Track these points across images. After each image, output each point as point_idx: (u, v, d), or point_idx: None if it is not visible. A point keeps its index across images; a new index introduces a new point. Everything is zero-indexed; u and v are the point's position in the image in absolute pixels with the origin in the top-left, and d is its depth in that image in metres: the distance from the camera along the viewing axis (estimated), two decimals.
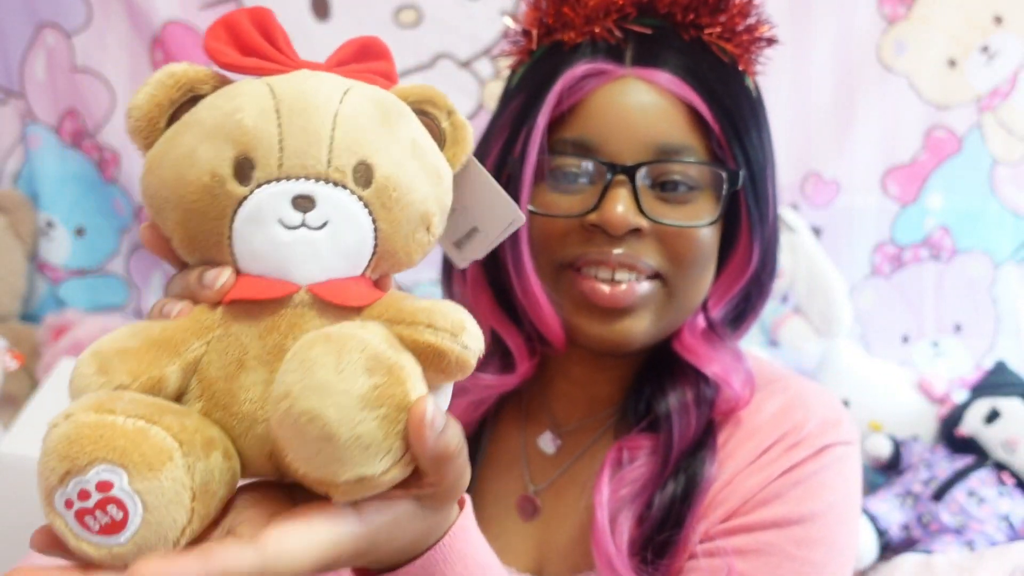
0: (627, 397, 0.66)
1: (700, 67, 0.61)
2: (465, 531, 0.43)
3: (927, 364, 1.73)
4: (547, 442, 0.69)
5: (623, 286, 0.59)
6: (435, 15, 1.67)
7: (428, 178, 0.41)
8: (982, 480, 1.38)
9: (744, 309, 0.68)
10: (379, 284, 0.41)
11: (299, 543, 0.34)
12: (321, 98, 0.38)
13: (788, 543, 0.57)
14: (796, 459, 0.60)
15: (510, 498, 0.68)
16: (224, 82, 0.41)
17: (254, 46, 0.40)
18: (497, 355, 0.66)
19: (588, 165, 0.60)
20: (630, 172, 0.58)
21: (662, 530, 0.58)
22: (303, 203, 0.37)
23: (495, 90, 1.70)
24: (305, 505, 0.36)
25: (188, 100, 0.41)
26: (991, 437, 1.44)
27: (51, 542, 0.35)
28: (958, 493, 1.36)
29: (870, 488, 1.50)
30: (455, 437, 0.37)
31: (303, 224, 0.37)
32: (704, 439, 0.62)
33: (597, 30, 0.61)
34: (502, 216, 0.47)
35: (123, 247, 1.77)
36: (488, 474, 0.70)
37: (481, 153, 0.65)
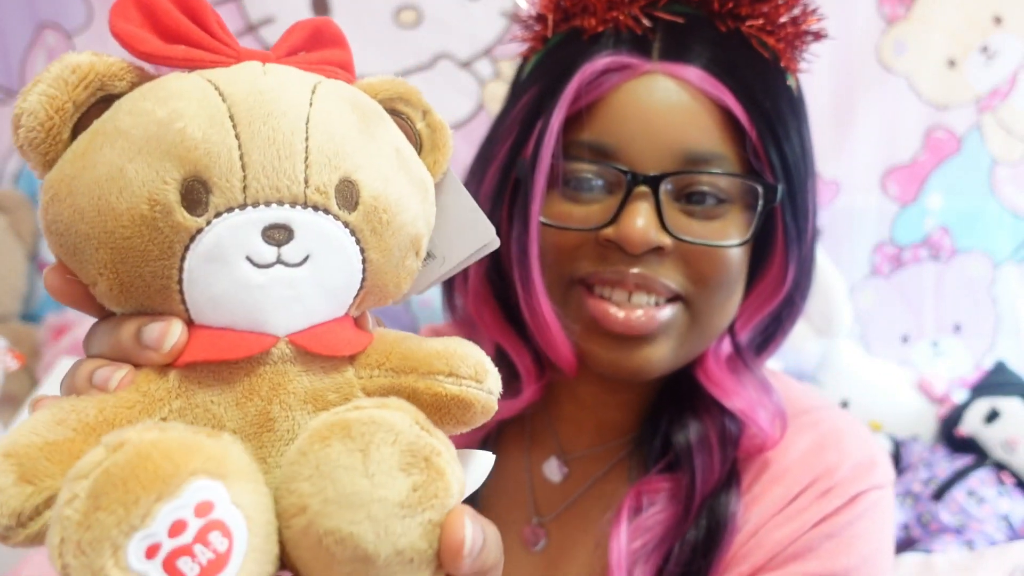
0: (643, 427, 0.60)
1: (737, 63, 0.53)
2: None
3: (927, 364, 1.73)
4: (553, 470, 0.62)
5: (640, 312, 0.52)
6: (435, 15, 1.68)
7: (416, 193, 0.34)
8: (982, 480, 1.38)
9: (773, 331, 0.61)
10: (359, 323, 0.33)
11: None
12: (286, 100, 0.30)
13: None
14: (828, 509, 0.53)
15: (514, 527, 0.61)
16: (145, 78, 0.32)
17: (180, 30, 0.30)
18: (504, 370, 0.59)
19: (606, 172, 0.52)
20: (653, 182, 0.51)
21: None
22: (277, 234, 0.29)
23: (495, 90, 1.70)
24: None
25: (97, 102, 0.31)
26: (991, 437, 1.44)
27: None
28: (958, 493, 1.36)
29: None
30: (493, 551, 0.30)
31: (279, 260, 0.30)
32: (728, 481, 0.55)
33: (621, 18, 0.52)
34: (472, 238, 0.37)
35: None
36: (491, 502, 0.63)
37: (486, 155, 0.58)
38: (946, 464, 1.43)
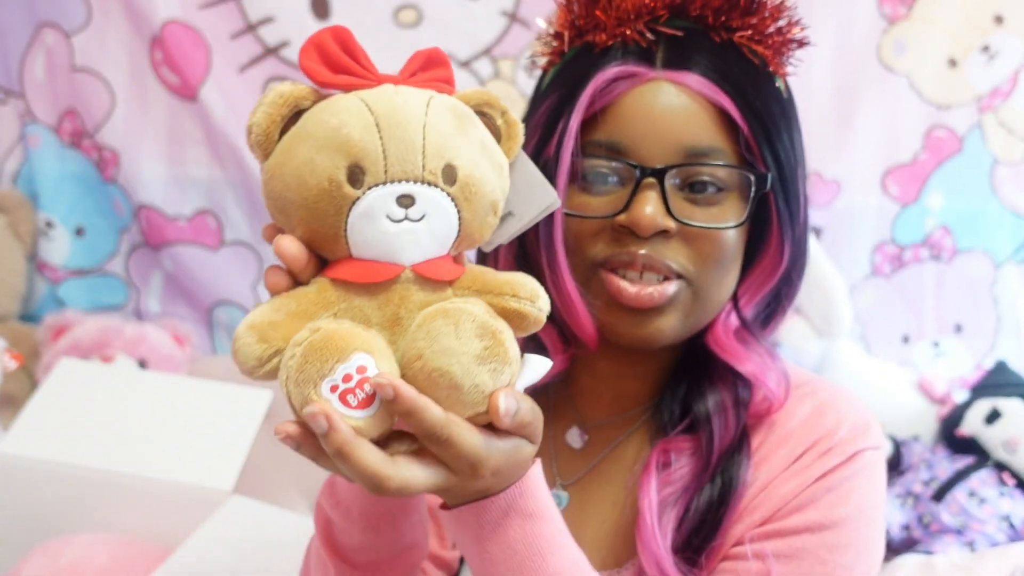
0: (662, 395, 0.67)
1: (731, 69, 0.61)
2: (537, 477, 0.52)
3: (927, 364, 1.73)
4: (575, 437, 0.70)
5: (650, 288, 0.60)
6: (435, 15, 1.67)
7: (494, 172, 0.49)
8: (983, 480, 1.38)
9: (774, 308, 0.68)
10: (456, 260, 0.50)
11: (468, 431, 0.46)
12: (410, 112, 0.46)
13: (820, 548, 0.58)
14: (828, 466, 0.61)
15: None
16: (321, 97, 0.48)
17: (342, 64, 0.47)
18: (530, 350, 0.64)
19: (618, 167, 0.60)
20: (659, 174, 0.59)
21: (700, 533, 0.60)
22: (406, 201, 0.46)
23: (495, 90, 1.69)
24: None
25: (293, 115, 0.47)
26: (992, 437, 1.44)
27: (303, 435, 0.45)
28: (959, 493, 1.36)
29: None
30: (527, 413, 0.47)
31: (406, 218, 0.46)
32: (739, 443, 0.62)
33: (628, 32, 0.60)
34: (540, 200, 0.53)
35: (122, 247, 1.77)
36: None
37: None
38: (947, 465, 1.43)
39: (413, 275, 0.47)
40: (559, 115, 0.61)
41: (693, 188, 0.60)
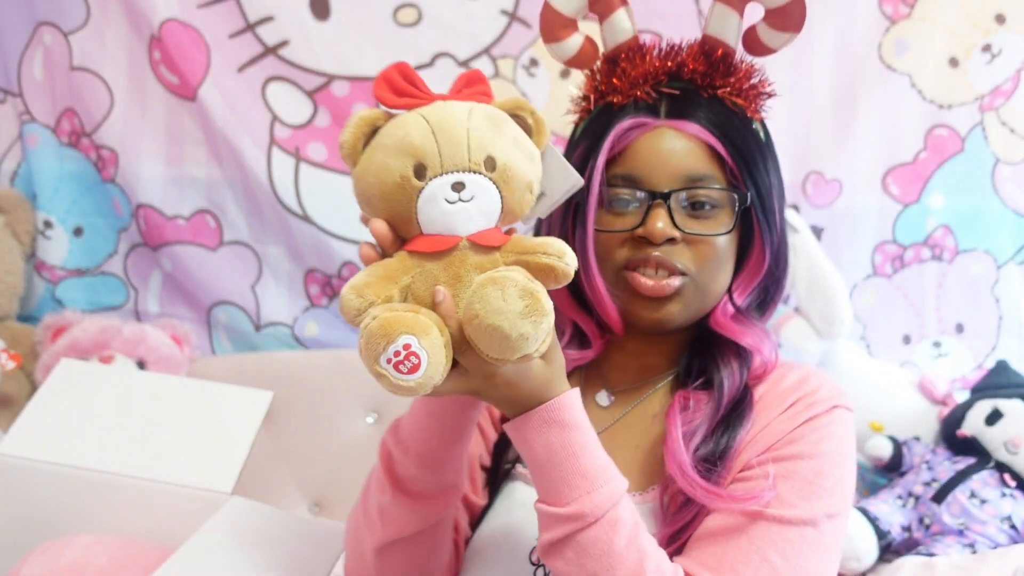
0: (682, 365, 0.86)
1: (718, 117, 0.80)
2: (574, 397, 0.69)
3: (929, 364, 1.73)
4: (603, 397, 0.88)
5: (661, 280, 0.79)
6: (434, 14, 1.67)
7: (526, 159, 0.64)
8: (984, 481, 1.37)
9: (765, 299, 0.87)
10: (502, 230, 0.65)
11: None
12: (457, 119, 0.62)
13: (807, 472, 0.75)
14: (813, 413, 0.78)
15: None
16: (390, 116, 0.64)
17: (405, 90, 0.64)
18: (576, 337, 0.88)
19: (636, 193, 0.80)
20: (666, 196, 0.78)
21: (714, 455, 0.77)
22: (458, 187, 0.61)
23: (494, 89, 1.69)
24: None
25: (372, 131, 0.64)
26: (993, 438, 1.43)
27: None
28: (960, 494, 1.36)
29: (871, 489, 1.50)
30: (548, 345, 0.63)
31: (459, 199, 0.61)
32: (744, 397, 0.81)
33: (638, 93, 0.81)
34: (566, 181, 0.68)
35: (121, 247, 1.76)
36: None
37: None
38: (948, 465, 1.42)
39: (468, 243, 0.62)
40: (588, 157, 0.81)
41: (693, 206, 0.80)
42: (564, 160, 0.67)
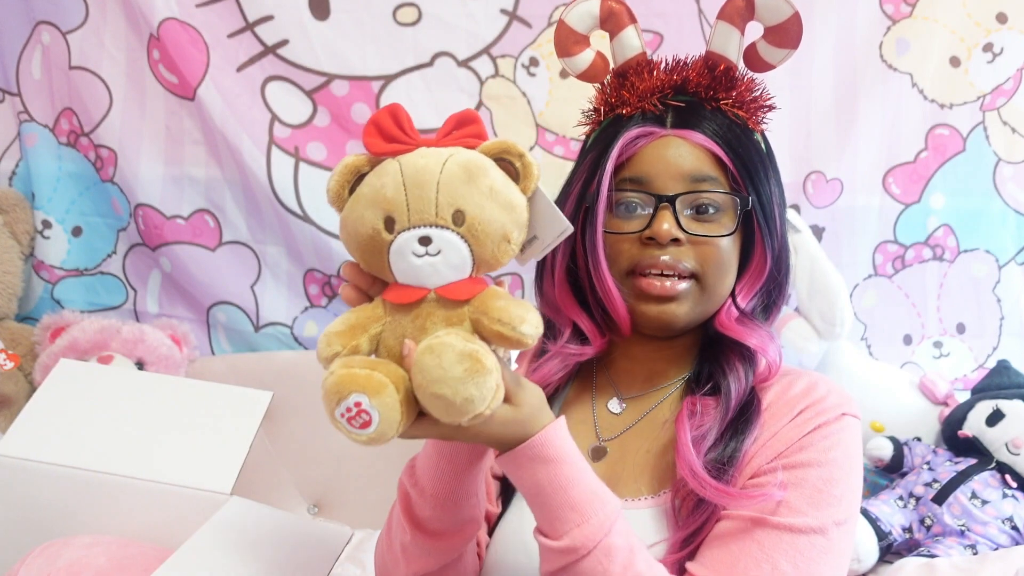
0: (692, 371, 0.88)
1: (721, 128, 0.84)
2: (556, 430, 0.70)
3: (930, 364, 1.73)
4: (615, 404, 0.90)
5: (668, 282, 0.82)
6: (434, 13, 1.67)
7: (503, 210, 0.64)
8: (985, 482, 1.37)
9: (769, 303, 0.89)
10: (477, 281, 0.65)
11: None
12: (428, 173, 0.62)
13: (816, 480, 0.76)
14: (822, 420, 0.79)
15: (582, 446, 0.85)
16: (377, 162, 0.65)
17: (393, 134, 0.65)
18: (577, 335, 0.90)
19: (643, 196, 0.83)
20: (671, 200, 0.81)
21: (723, 458, 0.79)
22: (425, 241, 0.62)
23: (494, 88, 1.69)
24: None
25: (358, 178, 0.65)
26: (994, 438, 1.43)
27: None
28: (960, 495, 1.36)
29: (872, 490, 1.49)
30: (499, 400, 0.63)
31: (426, 253, 0.62)
32: (751, 403, 0.82)
33: (647, 106, 0.85)
34: (556, 227, 0.67)
35: (120, 247, 1.76)
36: None
37: (567, 191, 0.89)
38: (949, 466, 1.42)
39: (436, 296, 0.63)
40: (599, 163, 0.85)
41: (698, 211, 0.83)
42: (554, 206, 0.67)
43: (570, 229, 0.67)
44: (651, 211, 0.82)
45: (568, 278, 0.90)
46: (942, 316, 1.74)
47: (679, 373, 0.89)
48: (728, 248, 0.83)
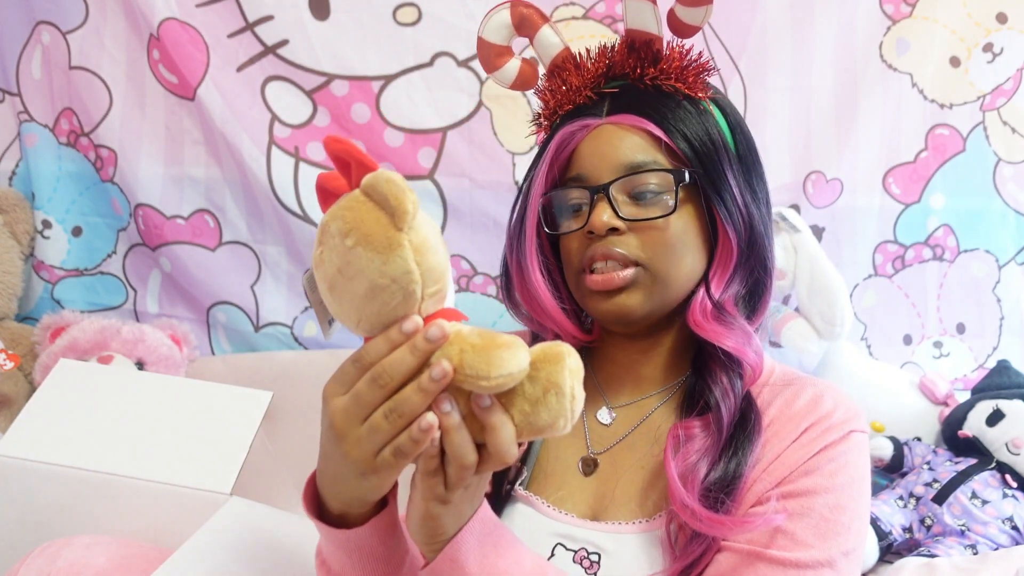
0: (672, 379, 0.85)
1: (654, 103, 0.80)
2: (487, 510, 0.63)
3: (930, 364, 1.72)
4: (604, 415, 0.86)
5: (611, 273, 0.78)
6: (434, 13, 1.66)
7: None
8: (985, 482, 1.37)
9: (752, 288, 0.84)
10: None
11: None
12: None
13: (823, 508, 0.72)
14: (828, 441, 0.75)
15: (572, 459, 0.85)
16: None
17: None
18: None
19: (579, 193, 0.80)
20: (605, 188, 0.78)
21: (721, 488, 0.73)
22: None
23: (494, 88, 1.69)
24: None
25: None
26: (994, 438, 1.43)
27: None
28: (961, 495, 1.36)
29: (872, 490, 1.49)
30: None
31: None
32: (749, 417, 0.77)
33: (579, 99, 0.83)
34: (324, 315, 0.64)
35: (120, 247, 1.76)
36: (550, 441, 0.88)
37: (524, 203, 0.86)
38: (949, 466, 1.42)
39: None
40: (538, 163, 0.83)
41: (639, 197, 0.79)
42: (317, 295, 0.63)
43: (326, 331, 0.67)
44: (590, 204, 0.79)
45: (547, 280, 0.87)
46: (942, 316, 1.73)
47: (666, 379, 0.86)
48: (677, 229, 0.79)
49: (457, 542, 0.62)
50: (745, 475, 0.74)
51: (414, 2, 1.66)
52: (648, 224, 0.78)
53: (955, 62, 1.68)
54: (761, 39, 1.64)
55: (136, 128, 1.69)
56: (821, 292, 1.55)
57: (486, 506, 0.64)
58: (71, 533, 1.05)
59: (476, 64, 1.67)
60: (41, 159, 1.72)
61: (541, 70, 0.91)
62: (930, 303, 1.74)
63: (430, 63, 1.68)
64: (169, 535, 1.03)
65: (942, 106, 1.68)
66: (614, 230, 0.78)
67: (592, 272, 0.80)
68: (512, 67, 0.88)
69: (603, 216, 0.77)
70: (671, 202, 0.79)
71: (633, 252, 0.78)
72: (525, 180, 0.87)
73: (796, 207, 1.68)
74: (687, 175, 0.79)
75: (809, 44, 1.64)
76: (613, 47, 0.85)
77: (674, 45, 0.83)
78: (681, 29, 0.83)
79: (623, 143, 0.79)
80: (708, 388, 0.79)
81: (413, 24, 1.67)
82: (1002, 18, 1.66)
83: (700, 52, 0.83)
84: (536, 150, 0.89)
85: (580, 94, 0.83)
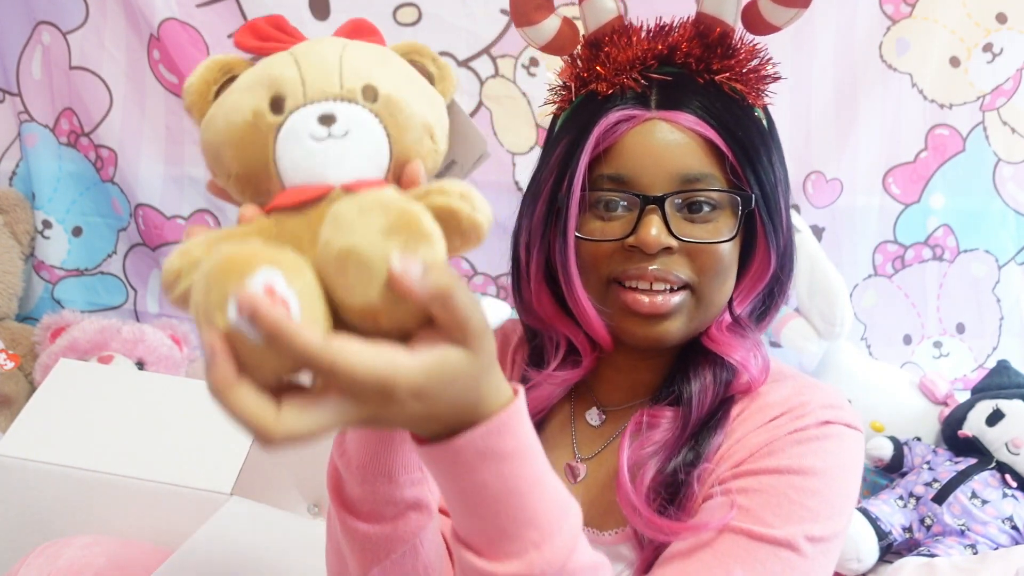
0: (663, 383, 0.77)
1: (715, 106, 0.70)
2: (520, 412, 0.49)
3: (929, 364, 1.73)
4: (593, 416, 0.80)
5: (659, 297, 0.70)
6: (434, 13, 1.67)
7: (424, 98, 0.50)
8: (985, 482, 1.37)
9: (768, 305, 0.78)
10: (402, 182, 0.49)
11: (360, 351, 0.40)
12: (327, 45, 0.49)
13: (788, 488, 0.65)
14: (799, 425, 0.69)
15: (558, 464, 0.78)
16: (250, 63, 0.51)
17: (271, 36, 0.51)
18: (564, 352, 0.78)
19: (625, 197, 0.70)
20: (659, 201, 0.69)
21: (674, 483, 0.68)
22: (326, 119, 0.46)
23: (494, 88, 1.69)
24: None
25: (228, 80, 0.50)
26: (994, 438, 1.43)
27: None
28: (960, 495, 1.36)
29: (872, 490, 1.49)
30: (441, 277, 0.42)
31: (329, 135, 0.46)
32: (719, 413, 0.72)
33: (625, 81, 0.71)
34: (474, 149, 0.55)
35: (120, 247, 1.76)
36: (542, 444, 0.75)
37: (534, 191, 0.76)
38: (949, 466, 1.42)
39: (343, 193, 0.45)
40: (571, 156, 0.71)
41: (691, 209, 0.70)
42: (471, 121, 0.55)
43: (488, 154, 0.56)
44: (635, 214, 0.69)
45: (548, 286, 0.77)
46: (942, 316, 1.73)
47: (662, 382, 0.78)
48: (728, 253, 0.71)
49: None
50: (701, 465, 0.68)
51: (414, 2, 1.67)
52: (700, 247, 0.70)
53: (955, 62, 1.68)
54: (760, 39, 1.64)
55: (136, 128, 1.70)
56: (821, 292, 1.55)
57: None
58: (71, 533, 1.05)
59: (476, 65, 1.67)
60: (41, 159, 1.72)
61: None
62: (930, 303, 1.74)
63: None
64: (169, 535, 1.03)
65: (942, 106, 1.68)
66: (666, 249, 0.69)
67: (626, 286, 0.71)
68: (550, 25, 0.75)
69: (653, 231, 0.68)
70: (731, 225, 0.71)
71: (686, 275, 0.70)
72: (546, 163, 0.75)
73: (796, 207, 1.69)
74: (752, 200, 0.71)
75: (809, 44, 1.64)
76: (672, 27, 0.73)
77: (746, 40, 0.73)
78: (757, 25, 0.73)
79: (679, 147, 0.69)
80: (687, 380, 0.73)
81: (413, 24, 1.67)
82: (1002, 18, 1.66)
83: (770, 56, 0.74)
84: (558, 127, 0.76)
85: (626, 74, 0.71)
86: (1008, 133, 1.69)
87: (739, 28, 0.73)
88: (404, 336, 0.43)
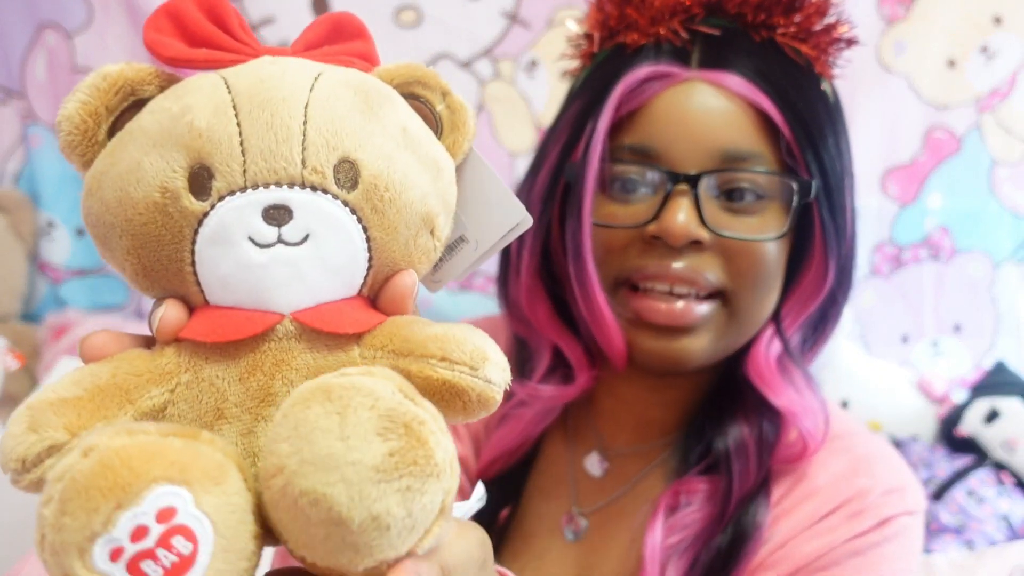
0: (687, 428, 0.60)
1: (772, 70, 0.56)
2: None
3: (927, 364, 1.73)
4: (594, 464, 0.64)
5: (680, 303, 0.54)
6: (435, 15, 1.67)
7: (426, 171, 0.33)
8: (981, 480, 1.38)
9: (818, 333, 0.61)
10: (371, 304, 0.33)
11: None
12: (287, 87, 0.31)
13: None
14: (858, 529, 0.54)
15: (555, 518, 0.63)
16: (172, 81, 0.34)
17: (204, 35, 0.32)
18: (557, 367, 0.62)
19: (649, 173, 0.54)
20: (692, 181, 0.53)
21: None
22: (277, 214, 0.30)
23: (495, 91, 1.70)
24: None
25: (130, 106, 0.34)
26: (991, 437, 1.44)
27: None
28: (957, 493, 1.36)
29: None
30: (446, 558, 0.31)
31: (279, 240, 0.30)
32: (759, 490, 0.55)
33: (662, 31, 0.55)
34: (503, 219, 0.37)
35: None
36: (534, 492, 0.65)
37: (538, 159, 0.60)
38: (946, 464, 1.43)
39: (295, 327, 0.31)
40: (587, 118, 0.55)
41: (730, 196, 0.54)
42: (498, 179, 0.37)
43: (529, 221, 0.38)
44: (662, 195, 0.53)
45: (545, 285, 0.61)
46: (939, 316, 1.74)
47: (678, 425, 0.62)
48: (774, 256, 0.55)
49: None
50: (737, 570, 0.54)
51: (415, 4, 1.67)
52: (741, 244, 0.54)
53: (951, 64, 1.68)
54: None
55: None
56: None
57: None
58: None
59: (477, 66, 1.68)
60: (46, 160, 1.73)
61: None
62: (927, 303, 1.74)
63: (430, 65, 1.69)
64: None
65: (938, 108, 1.69)
66: (696, 243, 0.54)
67: (639, 289, 0.55)
68: None
69: (680, 217, 0.52)
70: (781, 220, 0.55)
71: (718, 279, 0.55)
72: (556, 128, 0.60)
73: None
74: (812, 188, 0.55)
75: (856, 44, 1.65)
76: None
77: None
78: None
79: (723, 116, 0.54)
80: (720, 428, 0.57)
81: (414, 26, 1.68)
82: (998, 20, 1.67)
83: (848, 17, 0.58)
84: (571, 86, 0.62)
85: (664, 23, 0.55)
86: (1004, 134, 1.70)
87: None
88: None
